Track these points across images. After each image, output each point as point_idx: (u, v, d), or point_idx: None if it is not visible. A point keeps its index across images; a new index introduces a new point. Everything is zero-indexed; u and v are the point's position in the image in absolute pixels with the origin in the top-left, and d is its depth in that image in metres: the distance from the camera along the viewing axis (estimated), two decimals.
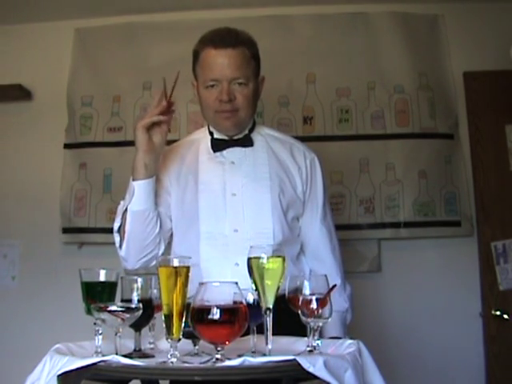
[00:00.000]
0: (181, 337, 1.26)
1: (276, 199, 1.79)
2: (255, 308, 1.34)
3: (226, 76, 1.73)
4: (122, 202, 1.80)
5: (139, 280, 1.42)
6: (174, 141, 3.02)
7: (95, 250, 2.89)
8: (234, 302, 1.22)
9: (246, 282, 1.34)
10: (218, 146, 1.85)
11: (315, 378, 1.15)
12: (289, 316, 1.42)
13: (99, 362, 1.18)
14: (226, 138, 1.86)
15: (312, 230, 1.88)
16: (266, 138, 1.90)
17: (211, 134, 1.88)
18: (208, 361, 1.25)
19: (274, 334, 1.33)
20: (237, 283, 1.25)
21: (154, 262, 1.79)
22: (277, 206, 1.79)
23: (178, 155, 1.89)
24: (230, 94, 1.74)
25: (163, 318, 1.26)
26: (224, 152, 1.84)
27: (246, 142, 1.85)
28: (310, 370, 1.14)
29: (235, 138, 1.85)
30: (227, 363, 1.16)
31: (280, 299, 1.38)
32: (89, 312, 1.34)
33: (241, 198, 1.78)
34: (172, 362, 1.22)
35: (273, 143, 1.90)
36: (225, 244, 1.75)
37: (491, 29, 2.94)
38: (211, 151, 1.85)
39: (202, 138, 1.90)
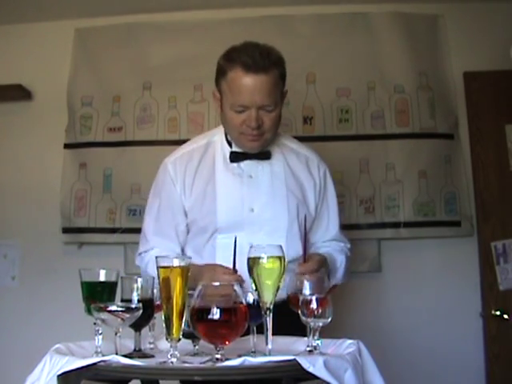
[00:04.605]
0: (181, 337, 1.26)
1: (293, 216, 1.80)
2: (255, 308, 1.34)
3: (256, 103, 1.69)
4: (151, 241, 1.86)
5: (139, 280, 1.42)
6: (175, 141, 3.05)
7: (95, 249, 2.89)
8: (234, 302, 1.23)
9: None
10: (236, 158, 1.84)
11: (315, 378, 1.15)
12: (290, 323, 1.42)
13: (99, 361, 1.18)
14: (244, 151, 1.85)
15: (323, 240, 1.92)
16: (283, 149, 1.90)
17: (229, 143, 1.87)
18: (208, 361, 1.25)
19: (273, 334, 1.33)
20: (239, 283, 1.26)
21: None
22: (293, 225, 1.80)
23: (192, 162, 1.87)
24: (259, 120, 1.71)
25: (163, 318, 1.26)
26: (242, 164, 1.84)
27: (264, 156, 1.85)
28: (310, 370, 1.14)
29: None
30: (227, 363, 1.16)
31: (280, 305, 1.39)
32: (89, 312, 1.34)
33: (258, 215, 1.79)
34: (172, 362, 1.22)
35: (289, 156, 1.90)
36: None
37: (491, 29, 2.93)
38: (228, 160, 1.85)
39: (217, 142, 1.88)
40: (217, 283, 1.27)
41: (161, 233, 1.86)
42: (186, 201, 1.84)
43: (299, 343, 1.44)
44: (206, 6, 3.01)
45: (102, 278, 1.40)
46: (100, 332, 1.33)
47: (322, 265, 1.70)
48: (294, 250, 1.76)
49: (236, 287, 1.24)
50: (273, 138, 1.83)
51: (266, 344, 1.31)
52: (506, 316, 2.72)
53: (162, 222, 1.86)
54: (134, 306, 1.32)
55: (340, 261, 1.88)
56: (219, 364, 1.18)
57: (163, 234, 1.86)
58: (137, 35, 3.05)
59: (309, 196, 1.87)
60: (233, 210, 1.80)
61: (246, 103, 1.70)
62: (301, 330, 1.40)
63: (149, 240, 1.88)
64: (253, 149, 1.81)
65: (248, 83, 1.67)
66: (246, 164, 1.84)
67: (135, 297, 1.39)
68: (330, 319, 1.35)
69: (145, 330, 1.48)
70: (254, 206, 1.80)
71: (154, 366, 1.22)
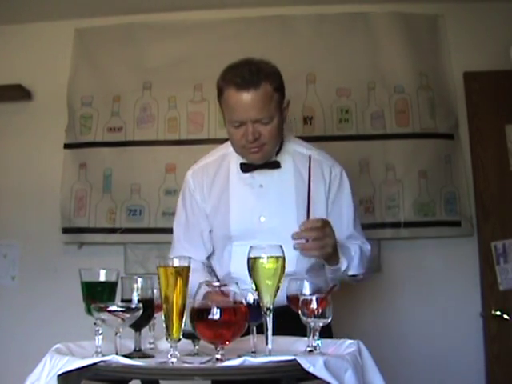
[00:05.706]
0: (181, 337, 1.26)
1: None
2: (255, 308, 1.34)
3: (250, 118, 1.74)
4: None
5: (139, 280, 1.42)
6: (174, 141, 3.04)
7: (95, 249, 2.89)
8: (234, 302, 1.23)
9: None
10: (246, 168, 1.89)
11: (315, 378, 1.15)
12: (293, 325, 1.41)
13: (99, 362, 1.18)
14: None
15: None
16: (294, 157, 1.92)
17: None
18: (208, 361, 1.25)
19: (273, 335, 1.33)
20: (237, 283, 1.26)
21: None
22: None
23: (208, 173, 1.94)
24: (255, 133, 1.75)
25: (163, 317, 1.26)
26: (254, 174, 1.88)
27: (273, 165, 1.88)
28: (310, 370, 1.14)
29: None
30: (227, 363, 1.16)
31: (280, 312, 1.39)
32: (89, 312, 1.34)
33: (267, 223, 1.83)
34: (172, 362, 1.22)
35: (301, 163, 1.90)
36: None
37: (491, 29, 2.94)
38: (240, 171, 1.89)
39: (233, 153, 1.92)
40: (216, 283, 1.27)
41: (188, 240, 1.95)
42: (206, 209, 1.93)
43: (299, 343, 1.44)
44: (206, 6, 3.01)
45: (102, 278, 1.41)
46: (100, 332, 1.33)
47: (327, 225, 1.66)
48: (306, 258, 1.76)
49: (235, 287, 1.24)
50: (275, 148, 1.86)
51: (266, 344, 1.31)
52: (506, 316, 2.71)
53: (190, 230, 1.96)
54: (134, 305, 1.32)
55: (354, 250, 1.82)
56: (219, 364, 1.18)
57: (190, 241, 1.94)
58: (137, 35, 3.05)
59: (321, 199, 1.87)
60: (244, 218, 1.85)
61: (240, 118, 1.76)
62: (302, 330, 1.40)
63: (177, 247, 1.96)
64: (256, 160, 1.85)
65: (240, 100, 1.74)
66: (258, 173, 1.88)
67: (135, 297, 1.40)
68: (330, 319, 1.36)
69: (145, 330, 1.48)
70: (263, 214, 1.85)
71: (154, 366, 1.22)
